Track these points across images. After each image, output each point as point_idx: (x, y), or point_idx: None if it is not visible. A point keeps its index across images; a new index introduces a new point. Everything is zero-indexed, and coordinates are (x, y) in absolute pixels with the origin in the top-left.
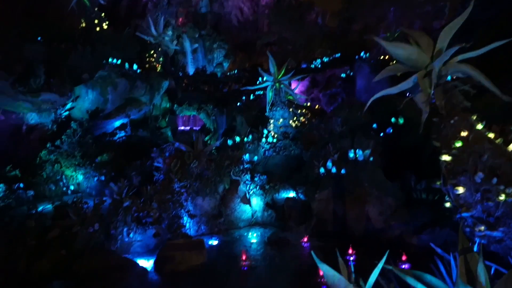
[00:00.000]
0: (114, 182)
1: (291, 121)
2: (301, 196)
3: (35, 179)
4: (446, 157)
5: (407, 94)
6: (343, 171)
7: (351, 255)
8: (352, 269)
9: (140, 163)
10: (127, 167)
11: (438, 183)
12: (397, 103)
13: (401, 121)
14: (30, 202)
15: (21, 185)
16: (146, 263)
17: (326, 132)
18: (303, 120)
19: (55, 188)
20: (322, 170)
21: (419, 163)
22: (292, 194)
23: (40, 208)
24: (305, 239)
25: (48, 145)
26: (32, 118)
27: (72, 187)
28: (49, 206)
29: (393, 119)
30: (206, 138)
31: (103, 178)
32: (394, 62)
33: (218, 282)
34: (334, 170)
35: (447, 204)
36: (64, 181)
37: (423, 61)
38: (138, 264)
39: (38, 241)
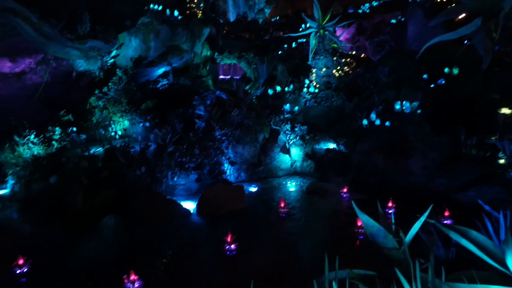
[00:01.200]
0: (158, 128)
1: (334, 71)
2: (342, 148)
3: (86, 123)
4: (505, 110)
5: (465, 42)
6: (387, 123)
7: (391, 208)
8: (393, 221)
9: (182, 111)
10: (170, 114)
11: (493, 138)
12: (453, 52)
13: (455, 71)
14: (82, 144)
15: (74, 129)
16: (189, 206)
17: (371, 83)
18: (347, 69)
19: (104, 133)
20: (365, 121)
21: (471, 117)
22: (332, 145)
23: (92, 151)
24: (344, 190)
25: (96, 92)
26: (81, 65)
27: (119, 132)
28: (99, 149)
29: (446, 69)
30: (247, 87)
31: (147, 124)
32: (453, 5)
33: (257, 227)
34: (378, 122)
35: (501, 161)
36: (112, 126)
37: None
38: (181, 206)
39: (91, 181)
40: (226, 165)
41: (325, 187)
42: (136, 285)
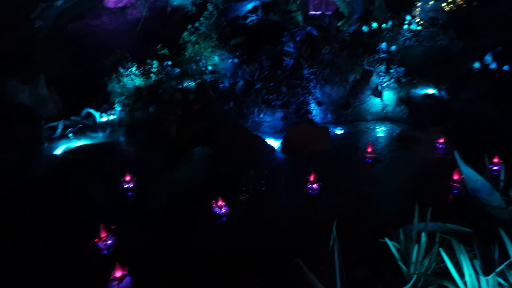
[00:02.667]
0: (246, 65)
1: (444, 4)
2: (443, 94)
3: (180, 58)
4: None
5: None
6: (505, 67)
7: (497, 164)
8: (502, 177)
9: (271, 47)
10: (258, 50)
11: None
12: None
13: None
14: (177, 78)
15: (169, 62)
16: (273, 143)
17: (489, 19)
18: (461, 2)
19: (196, 68)
20: (477, 64)
21: None
22: (431, 90)
23: (185, 84)
24: (441, 141)
25: (189, 27)
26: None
27: (210, 68)
28: (192, 83)
29: None
30: (339, 24)
31: (236, 60)
32: None
33: (341, 170)
34: (494, 65)
35: None
36: (203, 61)
37: None
38: (266, 142)
39: (184, 112)
40: (312, 105)
41: (418, 136)
42: (223, 210)
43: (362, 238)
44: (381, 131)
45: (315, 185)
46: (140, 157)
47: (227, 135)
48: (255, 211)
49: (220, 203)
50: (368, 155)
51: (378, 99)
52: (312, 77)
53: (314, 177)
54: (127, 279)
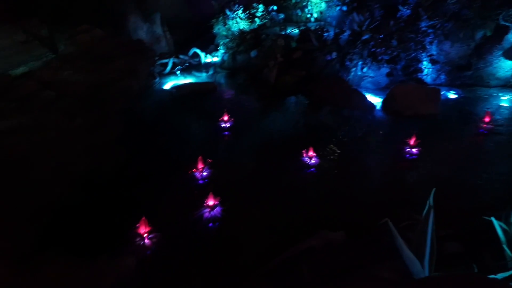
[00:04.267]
0: (356, 13)
1: None
2: None
3: (285, 3)
4: None
5: None
6: None
7: None
8: None
9: None
10: None
11: None
12: None
13: None
14: (280, 24)
15: (275, 7)
16: (374, 100)
17: None
18: None
19: (301, 14)
20: None
21: None
22: None
23: (288, 30)
24: None
25: None
26: None
27: (315, 15)
28: (295, 30)
29: None
30: None
31: (345, 8)
32: None
33: (446, 137)
34: None
35: None
36: (309, 7)
37: None
38: (366, 98)
39: (285, 59)
40: (425, 63)
41: None
42: (313, 161)
43: (461, 212)
44: (506, 100)
45: (414, 150)
46: (238, 100)
47: (326, 86)
48: (345, 166)
49: (311, 153)
50: (484, 126)
51: (509, 62)
52: (430, 30)
53: (414, 141)
54: (218, 209)
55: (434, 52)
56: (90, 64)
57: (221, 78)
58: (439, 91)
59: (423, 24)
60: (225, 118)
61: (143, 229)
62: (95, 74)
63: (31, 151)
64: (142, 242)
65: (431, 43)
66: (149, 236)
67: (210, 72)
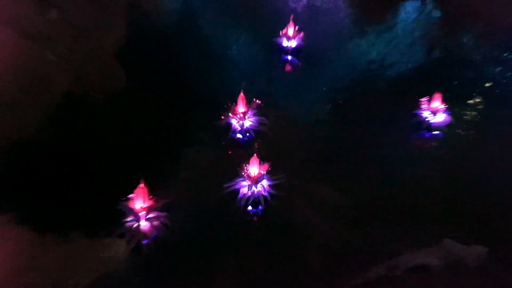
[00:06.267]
0: None
1: None
2: None
3: None
4: None
5: None
6: None
7: None
8: None
9: None
10: None
11: None
12: None
13: None
14: None
15: None
16: None
17: None
18: None
19: None
20: None
21: None
22: None
23: None
24: None
25: None
26: None
27: None
28: None
29: None
30: None
31: None
32: None
33: None
34: None
35: None
36: None
37: None
38: None
39: None
40: None
41: None
42: (438, 117)
43: None
44: None
45: None
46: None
47: None
48: (494, 132)
49: (437, 104)
50: None
51: None
52: None
53: None
54: (265, 183)
55: None
56: None
57: None
58: None
59: None
60: (290, 31)
61: (139, 203)
62: None
63: None
64: (136, 224)
65: None
66: (149, 216)
67: None
